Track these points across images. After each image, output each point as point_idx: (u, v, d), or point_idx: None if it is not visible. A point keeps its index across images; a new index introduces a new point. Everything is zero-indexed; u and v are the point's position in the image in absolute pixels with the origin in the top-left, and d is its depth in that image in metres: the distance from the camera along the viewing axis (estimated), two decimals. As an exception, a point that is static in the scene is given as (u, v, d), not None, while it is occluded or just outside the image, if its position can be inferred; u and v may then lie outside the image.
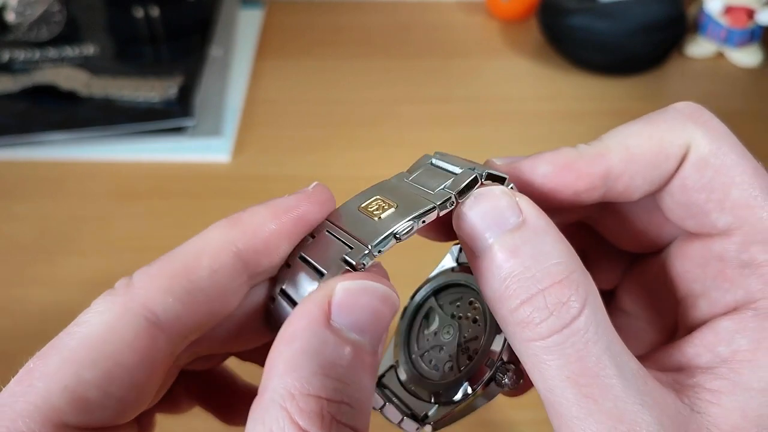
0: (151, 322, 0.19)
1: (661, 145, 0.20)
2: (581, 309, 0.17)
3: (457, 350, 0.23)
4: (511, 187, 0.20)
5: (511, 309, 0.18)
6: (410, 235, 0.19)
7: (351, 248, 0.19)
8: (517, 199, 0.19)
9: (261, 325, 0.22)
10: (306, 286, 0.20)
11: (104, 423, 0.18)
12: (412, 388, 0.23)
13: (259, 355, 0.24)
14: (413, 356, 0.24)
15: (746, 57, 0.67)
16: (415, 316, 0.25)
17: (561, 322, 0.17)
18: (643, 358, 0.19)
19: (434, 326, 0.24)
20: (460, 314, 0.23)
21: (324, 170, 0.58)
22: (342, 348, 0.16)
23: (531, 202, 0.19)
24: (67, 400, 0.17)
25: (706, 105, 0.21)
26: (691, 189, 0.20)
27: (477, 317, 0.23)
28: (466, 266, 0.24)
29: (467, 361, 0.23)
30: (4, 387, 0.18)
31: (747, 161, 0.19)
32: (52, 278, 0.49)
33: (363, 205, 0.20)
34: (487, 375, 0.21)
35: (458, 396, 0.22)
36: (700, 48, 0.68)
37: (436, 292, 0.24)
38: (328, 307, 0.17)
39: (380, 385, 0.23)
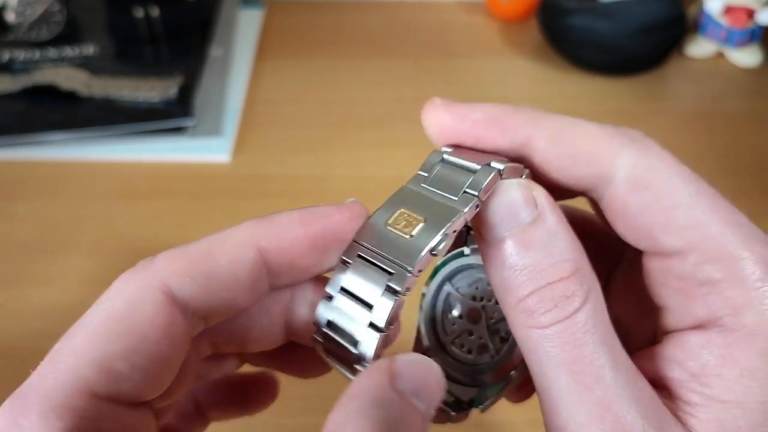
0: (168, 297, 0.19)
1: (587, 149, 0.20)
2: (583, 302, 0.18)
3: (488, 333, 0.24)
4: (526, 176, 0.21)
5: (518, 298, 0.19)
6: (445, 248, 0.19)
7: (392, 273, 0.19)
8: (534, 192, 0.19)
9: (279, 329, 0.23)
10: (356, 324, 0.20)
11: (132, 394, 0.19)
12: (453, 374, 0.24)
13: (269, 359, 0.25)
14: (444, 343, 0.25)
15: (746, 57, 0.67)
16: (435, 304, 0.25)
17: (563, 313, 0.18)
18: None
19: (457, 311, 0.25)
20: (482, 296, 0.24)
21: (324, 170, 0.58)
22: (402, 406, 0.17)
23: (547, 195, 0.20)
24: (96, 372, 0.18)
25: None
26: (636, 213, 0.20)
27: None
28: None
29: (500, 344, 0.24)
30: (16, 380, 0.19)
31: (689, 183, 0.19)
32: (52, 278, 0.49)
33: (390, 222, 0.20)
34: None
35: (501, 378, 0.23)
36: (700, 48, 0.68)
37: (450, 277, 0.25)
38: (390, 372, 0.17)
39: None
